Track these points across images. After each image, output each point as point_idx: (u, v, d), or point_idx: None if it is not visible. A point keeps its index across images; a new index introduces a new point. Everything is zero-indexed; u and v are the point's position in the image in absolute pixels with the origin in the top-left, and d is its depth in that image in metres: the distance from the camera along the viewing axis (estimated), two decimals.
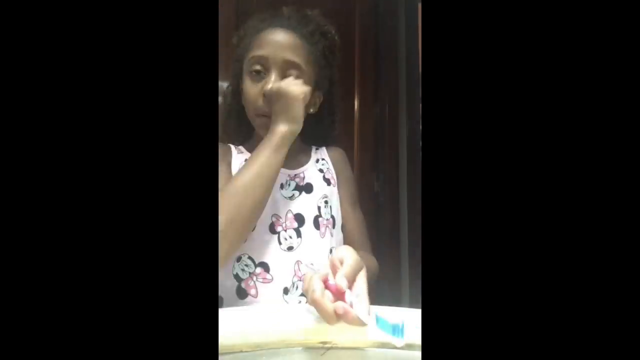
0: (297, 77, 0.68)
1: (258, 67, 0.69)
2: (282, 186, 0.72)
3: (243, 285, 0.65)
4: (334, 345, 0.43)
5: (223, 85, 1.02)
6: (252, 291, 0.64)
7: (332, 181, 0.77)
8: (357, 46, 1.16)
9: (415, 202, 1.07)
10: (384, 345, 0.44)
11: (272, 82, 0.66)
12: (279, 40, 0.69)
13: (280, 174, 0.70)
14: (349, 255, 0.45)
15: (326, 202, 0.73)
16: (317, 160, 0.79)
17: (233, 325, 0.43)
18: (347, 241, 0.76)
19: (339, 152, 0.83)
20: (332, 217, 0.74)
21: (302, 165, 0.76)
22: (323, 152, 0.81)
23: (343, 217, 0.78)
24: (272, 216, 0.68)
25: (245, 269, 0.65)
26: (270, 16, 0.74)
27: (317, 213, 0.71)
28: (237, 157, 0.74)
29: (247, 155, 0.74)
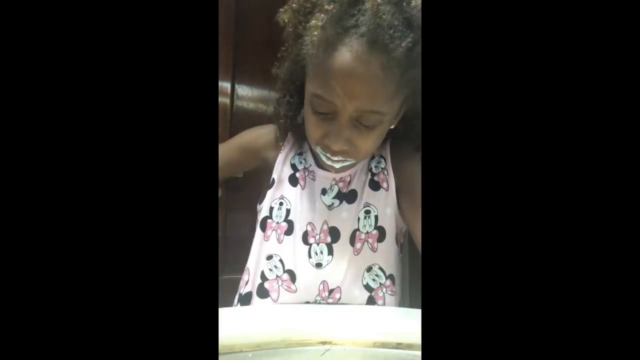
0: (374, 125, 0.51)
1: (324, 110, 0.51)
2: (324, 191, 0.64)
3: (267, 285, 0.61)
4: (334, 345, 0.44)
5: (223, 85, 1.02)
6: (274, 294, 0.60)
7: (382, 185, 0.62)
8: None
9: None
10: (384, 345, 0.44)
11: (340, 135, 0.51)
12: (352, 82, 0.46)
13: (325, 178, 0.64)
14: None
15: (367, 212, 0.62)
16: (373, 158, 0.64)
17: (233, 325, 0.43)
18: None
19: (407, 150, 0.63)
20: (379, 228, 0.61)
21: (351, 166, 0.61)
22: (385, 149, 0.64)
23: (413, 225, 0.59)
24: (307, 224, 0.62)
25: (274, 269, 0.62)
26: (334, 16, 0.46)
27: (356, 227, 0.61)
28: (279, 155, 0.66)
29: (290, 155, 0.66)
